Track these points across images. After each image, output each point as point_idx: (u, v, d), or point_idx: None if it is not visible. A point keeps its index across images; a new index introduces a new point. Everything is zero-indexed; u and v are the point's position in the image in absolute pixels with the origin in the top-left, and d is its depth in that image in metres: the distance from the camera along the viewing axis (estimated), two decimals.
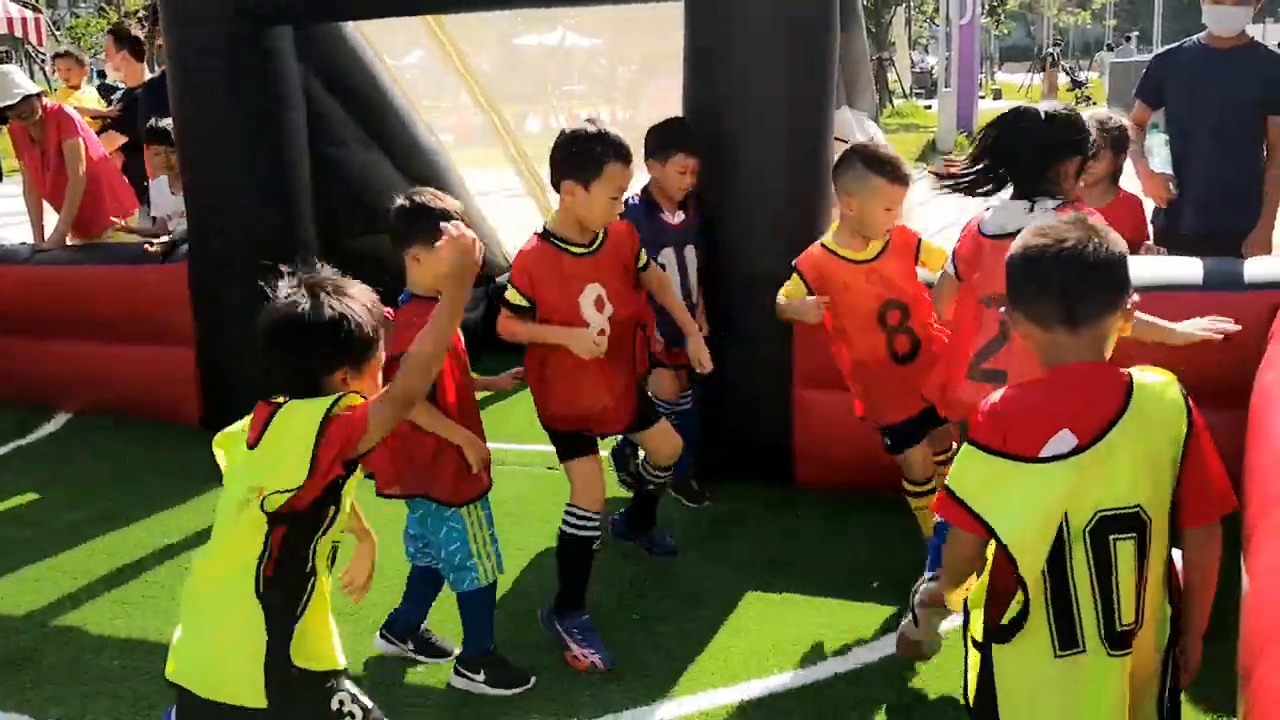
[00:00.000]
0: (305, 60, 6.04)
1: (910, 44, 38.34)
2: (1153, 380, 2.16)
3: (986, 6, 33.92)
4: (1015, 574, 2.09)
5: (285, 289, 2.34)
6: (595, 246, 3.61)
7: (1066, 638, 2.11)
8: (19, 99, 6.45)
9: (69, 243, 6.64)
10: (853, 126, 5.86)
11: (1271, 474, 2.81)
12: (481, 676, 3.44)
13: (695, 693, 3.41)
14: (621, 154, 3.50)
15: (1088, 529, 2.07)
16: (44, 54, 32.40)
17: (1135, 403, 2.11)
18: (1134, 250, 4.73)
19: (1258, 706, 2.11)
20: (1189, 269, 4.30)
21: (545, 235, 3.61)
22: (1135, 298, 2.24)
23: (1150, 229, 5.12)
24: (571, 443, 3.65)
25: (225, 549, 2.38)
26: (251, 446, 2.35)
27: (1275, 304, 3.98)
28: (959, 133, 19.84)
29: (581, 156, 3.48)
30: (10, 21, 24.18)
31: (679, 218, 4.54)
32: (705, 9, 4.71)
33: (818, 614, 3.84)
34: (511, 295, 3.60)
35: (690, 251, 4.54)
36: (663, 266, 4.34)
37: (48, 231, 6.76)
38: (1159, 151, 5.68)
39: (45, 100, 6.69)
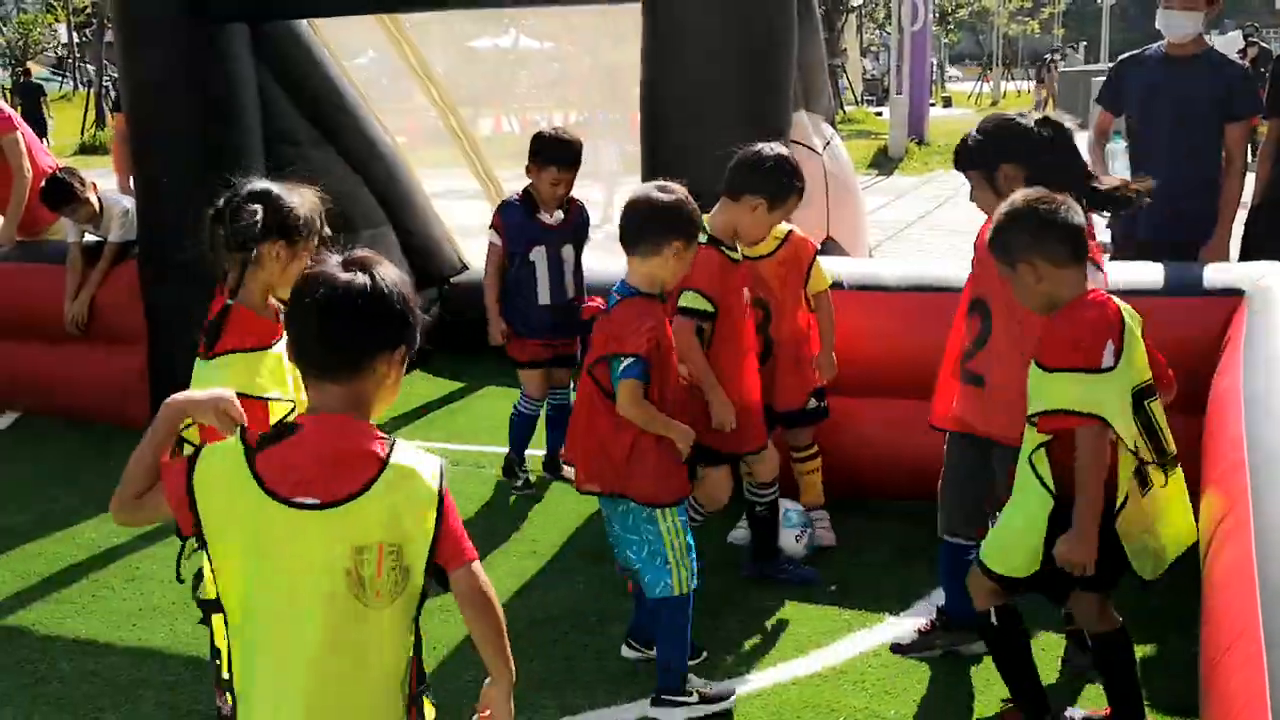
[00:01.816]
0: (260, 59, 5.96)
1: (862, 51, 38.64)
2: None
3: (937, 14, 34.25)
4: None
5: (333, 265, 2.02)
6: (741, 256, 3.87)
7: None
8: None
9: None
10: (810, 130, 5.88)
11: (1227, 481, 2.85)
12: (695, 698, 3.27)
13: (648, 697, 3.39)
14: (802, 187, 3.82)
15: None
16: None
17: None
18: None
19: (1219, 706, 2.13)
20: (1147, 273, 4.35)
21: (712, 242, 3.73)
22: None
23: (1100, 233, 5.18)
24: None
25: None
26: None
27: (1231, 310, 4.04)
28: (910, 139, 20.02)
29: (783, 178, 3.73)
30: None
31: (556, 218, 4.84)
32: (661, 13, 4.70)
33: (781, 616, 3.84)
34: (694, 300, 3.67)
35: (568, 251, 4.87)
36: (534, 264, 4.77)
37: None
38: (1121, 157, 5.76)
39: None
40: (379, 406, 2.06)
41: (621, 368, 3.12)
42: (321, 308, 1.98)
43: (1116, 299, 2.85)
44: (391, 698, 2.01)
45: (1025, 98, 37.86)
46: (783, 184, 3.75)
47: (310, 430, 1.97)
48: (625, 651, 3.58)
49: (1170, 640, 3.50)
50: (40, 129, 22.39)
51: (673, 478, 3.23)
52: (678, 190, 3.25)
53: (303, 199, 2.87)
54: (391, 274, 2.04)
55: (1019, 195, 2.88)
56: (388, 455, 1.96)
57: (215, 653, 2.21)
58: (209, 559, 1.99)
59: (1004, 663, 3.08)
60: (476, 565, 2.04)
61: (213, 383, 2.42)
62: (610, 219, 10.89)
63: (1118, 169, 5.55)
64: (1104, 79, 5.43)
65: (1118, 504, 2.78)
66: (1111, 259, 4.96)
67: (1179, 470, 2.90)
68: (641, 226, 3.21)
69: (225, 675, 2.05)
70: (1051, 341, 2.78)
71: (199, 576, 2.27)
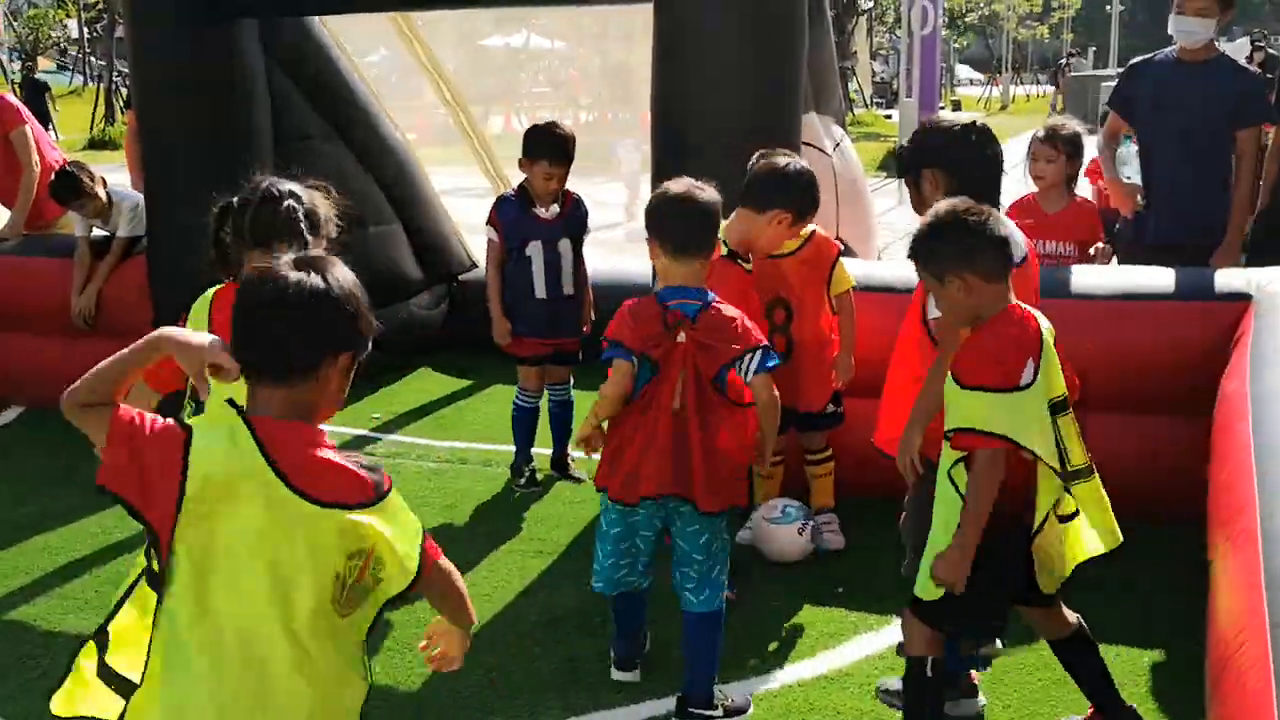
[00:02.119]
0: (270, 55, 5.97)
1: (871, 54, 38.62)
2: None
3: (947, 18, 34.22)
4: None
5: (284, 264, 1.99)
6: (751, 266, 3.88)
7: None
8: None
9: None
10: (820, 131, 5.87)
11: (1234, 485, 2.84)
12: (720, 712, 3.22)
13: (654, 698, 3.39)
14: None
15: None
16: (2, 42, 31.90)
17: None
18: (1085, 254, 4.83)
19: (1226, 709, 2.12)
20: (1156, 278, 4.35)
21: (731, 256, 3.75)
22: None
23: (1105, 237, 5.17)
24: None
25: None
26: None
27: (1239, 314, 4.03)
28: None
29: (810, 193, 3.74)
30: None
31: (552, 212, 4.84)
32: (672, 14, 4.69)
33: (786, 618, 3.83)
34: None
35: (565, 245, 4.86)
36: (530, 259, 4.79)
37: (0, 222, 6.64)
38: (1132, 161, 5.74)
39: None
40: (321, 414, 2.00)
41: (758, 360, 3.09)
42: (268, 305, 1.94)
43: (1034, 311, 2.79)
44: None
45: (1034, 102, 37.85)
46: (809, 198, 3.74)
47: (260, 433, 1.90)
48: (620, 675, 3.44)
49: (1176, 643, 3.49)
50: (44, 124, 22.64)
51: (735, 484, 3.24)
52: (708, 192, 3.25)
53: (316, 199, 2.95)
54: (344, 276, 1.99)
55: (943, 205, 2.80)
56: (376, 483, 1.93)
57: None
58: (159, 535, 1.93)
59: None
60: (441, 560, 2.05)
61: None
62: (635, 216, 10.87)
63: (1128, 174, 5.54)
64: (1114, 83, 5.42)
65: (1036, 525, 2.74)
66: (1120, 262, 4.96)
67: (1094, 480, 2.86)
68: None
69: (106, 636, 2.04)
70: (970, 357, 2.71)
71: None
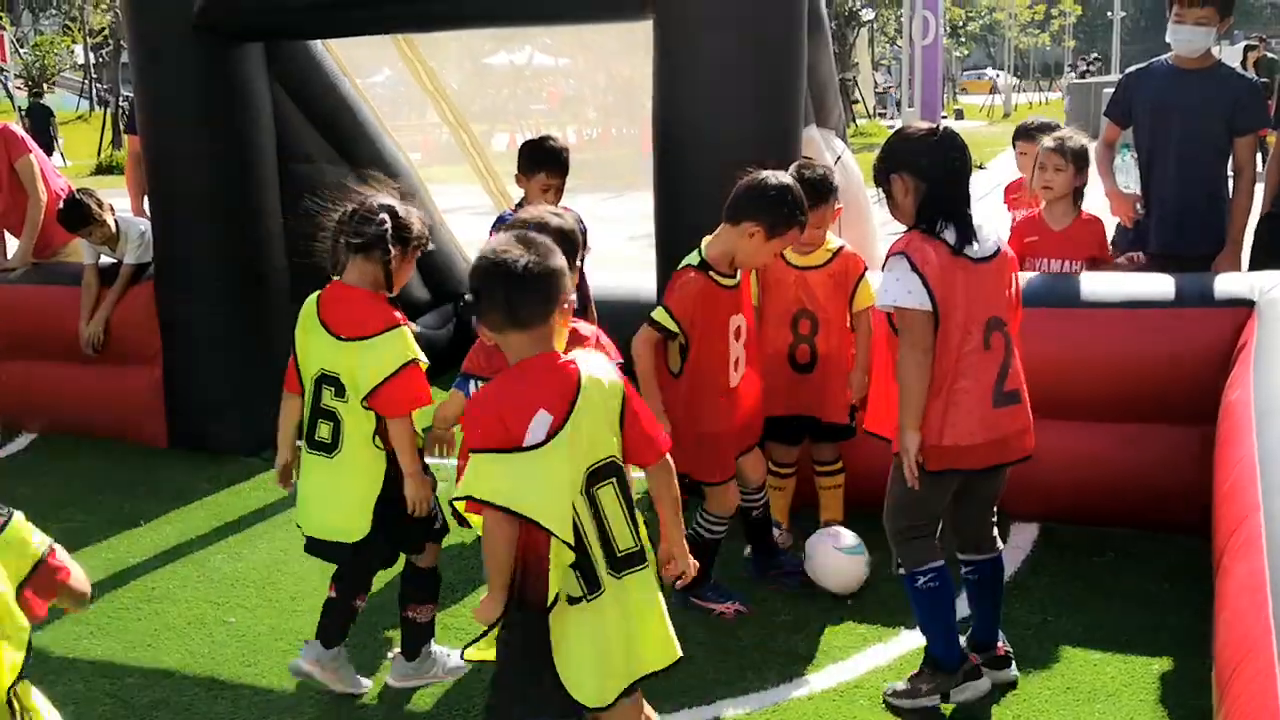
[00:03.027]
0: (274, 77, 6.01)
1: (873, 64, 38.69)
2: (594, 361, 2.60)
3: (948, 27, 34.28)
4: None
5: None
6: (738, 281, 3.85)
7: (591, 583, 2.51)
8: None
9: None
10: (820, 145, 5.88)
11: (1239, 493, 2.84)
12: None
13: (664, 713, 3.39)
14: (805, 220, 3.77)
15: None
16: (6, 70, 32.08)
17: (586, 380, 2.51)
18: (1098, 266, 4.80)
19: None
20: (1156, 286, 4.35)
21: (702, 267, 3.79)
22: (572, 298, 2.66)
23: (1111, 248, 5.16)
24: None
25: None
26: None
27: (1242, 320, 4.03)
28: None
29: (783, 209, 3.69)
30: None
31: None
32: (674, 29, 4.72)
33: (795, 630, 3.84)
34: (661, 317, 3.77)
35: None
36: None
37: (9, 251, 6.68)
38: (1130, 170, 5.74)
39: None
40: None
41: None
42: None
43: (585, 361, 2.55)
44: None
45: (1037, 109, 37.80)
46: (782, 214, 3.68)
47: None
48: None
49: (1184, 658, 3.49)
50: (49, 150, 22.95)
51: None
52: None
53: (413, 215, 3.38)
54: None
55: (488, 245, 2.60)
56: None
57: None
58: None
59: None
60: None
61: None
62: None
63: (1126, 184, 5.54)
64: (1112, 91, 5.42)
65: (549, 602, 2.49)
66: (1135, 261, 4.93)
67: (647, 573, 2.60)
68: None
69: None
70: (472, 415, 2.57)
71: None
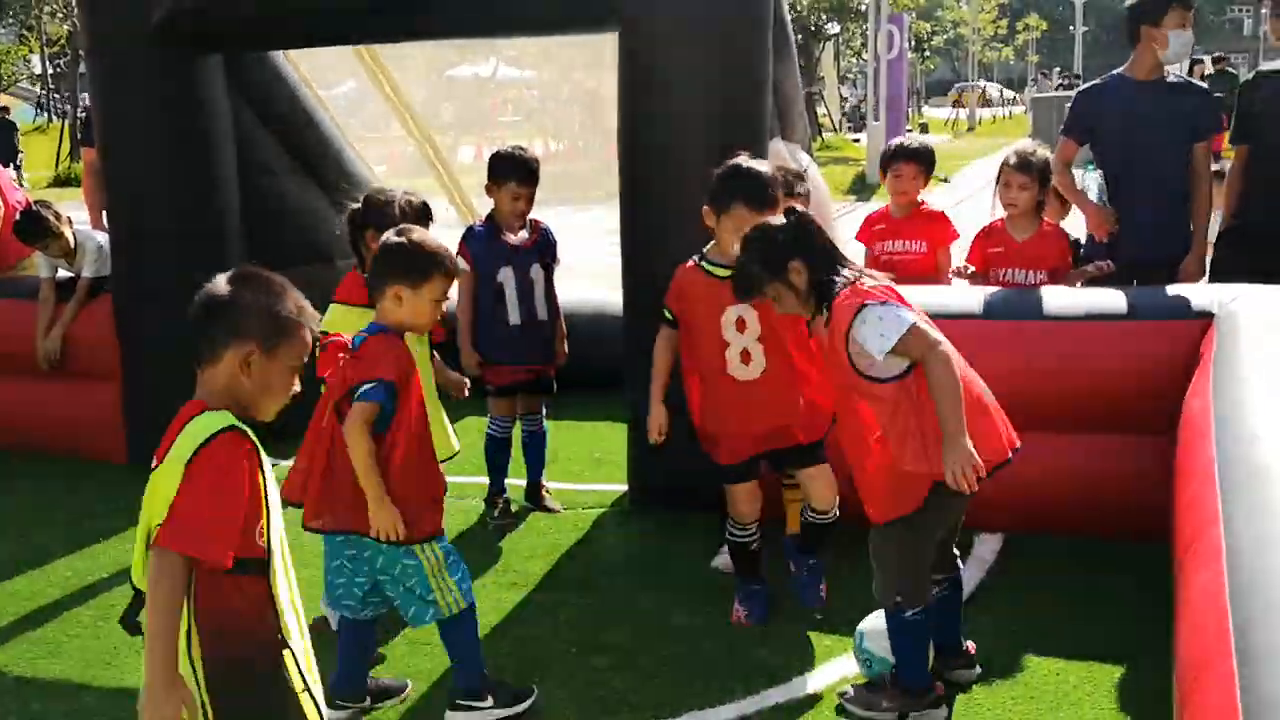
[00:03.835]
0: (235, 89, 5.97)
1: (839, 78, 38.96)
2: (195, 428, 2.31)
3: (913, 42, 34.60)
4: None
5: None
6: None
7: None
8: None
9: None
10: (786, 158, 5.91)
11: (1199, 502, 2.86)
12: (489, 702, 3.38)
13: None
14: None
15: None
16: None
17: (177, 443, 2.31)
18: (1058, 279, 4.85)
19: None
20: (1119, 298, 4.39)
21: (700, 257, 3.89)
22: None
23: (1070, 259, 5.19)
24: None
25: None
26: None
27: (1202, 332, 4.07)
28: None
29: (722, 184, 3.76)
30: None
31: (521, 238, 4.89)
32: (639, 42, 4.73)
33: (761, 642, 3.83)
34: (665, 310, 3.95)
35: (536, 271, 4.89)
36: (502, 285, 4.81)
37: None
38: (1093, 186, 5.79)
39: None
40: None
41: (361, 391, 3.14)
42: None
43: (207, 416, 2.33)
44: None
45: (1000, 124, 38.21)
46: (723, 189, 3.75)
47: None
48: (332, 716, 3.17)
49: (1146, 667, 3.51)
50: (9, 163, 23.04)
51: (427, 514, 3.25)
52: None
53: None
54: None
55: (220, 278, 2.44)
56: None
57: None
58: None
59: None
60: None
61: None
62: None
63: (1092, 198, 5.59)
64: (1069, 109, 5.46)
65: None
66: (1095, 282, 4.97)
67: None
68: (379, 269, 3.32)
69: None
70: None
71: None
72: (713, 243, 3.88)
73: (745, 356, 3.80)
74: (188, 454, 2.24)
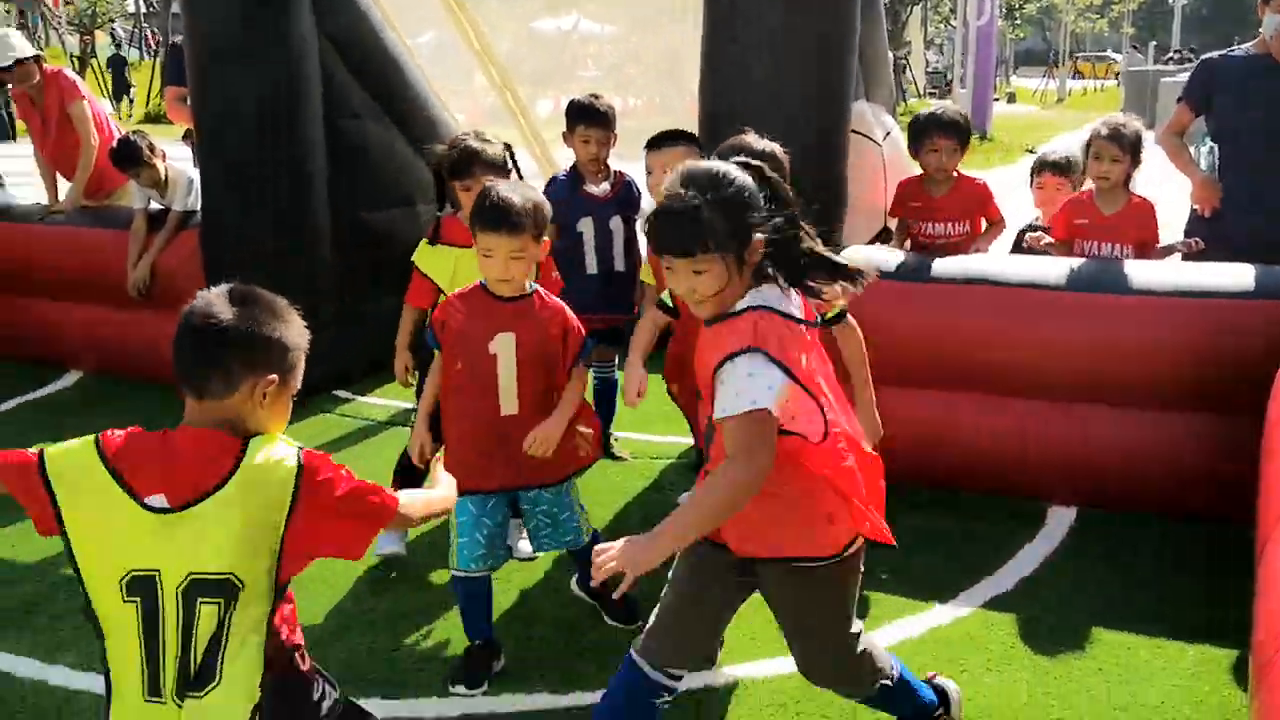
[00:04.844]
0: (323, 33, 6.02)
1: (926, 44, 38.25)
2: (265, 456, 2.12)
3: (1004, 9, 33.82)
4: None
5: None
6: None
7: (153, 685, 2.09)
8: (11, 61, 6.43)
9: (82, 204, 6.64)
10: (870, 119, 5.83)
11: None
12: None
13: None
14: None
15: (180, 589, 2.06)
16: (59, 16, 32.36)
17: (241, 474, 2.10)
18: (1144, 254, 4.73)
19: (1268, 713, 2.10)
20: (1207, 275, 4.28)
21: None
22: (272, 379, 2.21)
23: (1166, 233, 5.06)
24: None
25: None
26: None
27: None
28: (973, 134, 19.81)
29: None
30: None
31: (603, 189, 4.91)
32: (723, 3, 4.67)
33: None
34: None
35: (616, 223, 4.91)
36: (581, 234, 4.86)
37: (60, 193, 6.76)
38: (1204, 158, 5.64)
39: (45, 65, 6.67)
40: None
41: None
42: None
43: (277, 443, 2.16)
44: None
45: (1090, 96, 37.29)
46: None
47: None
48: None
49: (1220, 645, 3.46)
50: (122, 97, 27.28)
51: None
52: None
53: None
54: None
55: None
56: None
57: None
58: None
59: None
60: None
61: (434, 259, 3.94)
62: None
63: (1202, 170, 5.45)
64: (1188, 76, 5.32)
65: None
66: (1192, 257, 4.84)
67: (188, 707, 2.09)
68: None
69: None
70: None
71: None
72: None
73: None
74: (283, 497, 2.09)
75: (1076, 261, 4.56)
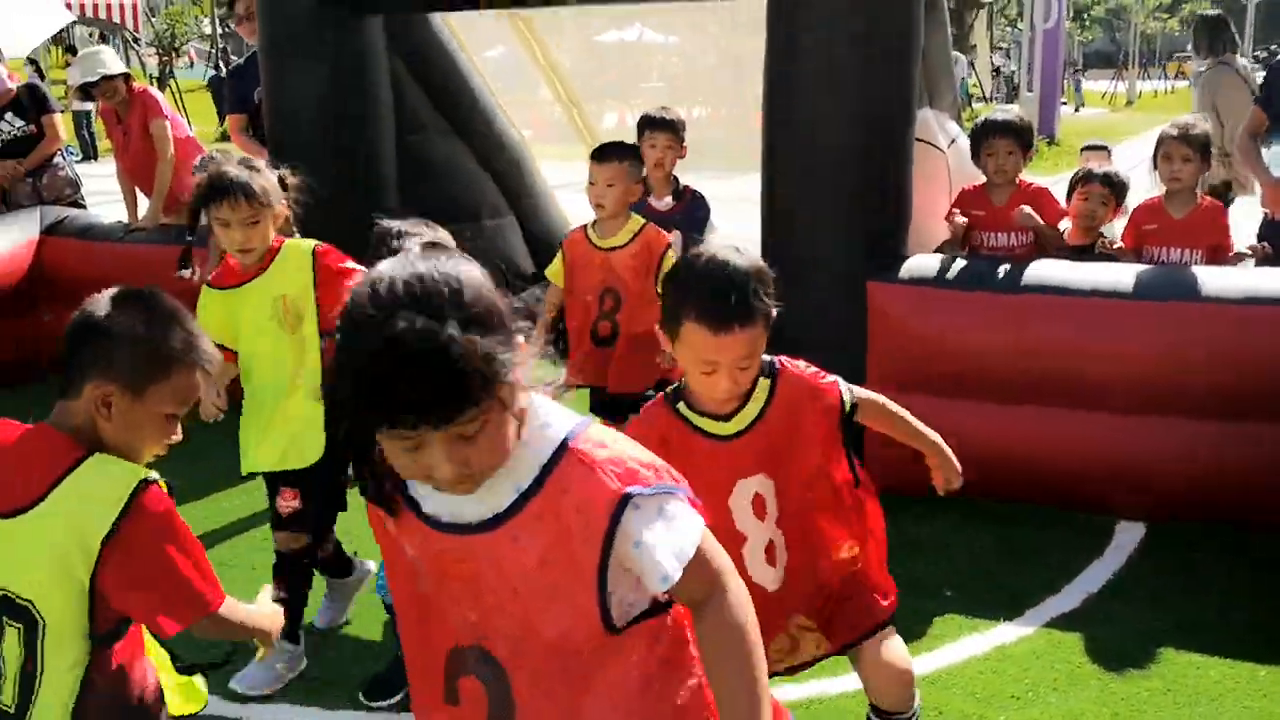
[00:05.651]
0: (394, 50, 6.13)
1: (991, 47, 37.79)
2: (99, 476, 1.91)
3: (1072, 11, 33.30)
4: None
5: None
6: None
7: None
8: (99, 78, 6.62)
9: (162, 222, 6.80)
10: (935, 127, 5.80)
11: None
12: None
13: None
14: None
15: None
16: (140, 38, 33.22)
17: (64, 488, 1.89)
18: (1215, 260, 4.65)
19: None
20: (1274, 282, 4.21)
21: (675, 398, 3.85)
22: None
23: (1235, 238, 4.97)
24: None
25: None
26: None
27: None
28: (1040, 138, 19.52)
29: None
30: (109, 7, 24.94)
31: (666, 204, 4.98)
32: (786, 8, 4.69)
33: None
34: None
35: (675, 237, 4.81)
36: None
37: (141, 211, 6.94)
38: (1276, 162, 5.54)
39: (133, 83, 6.87)
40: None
41: None
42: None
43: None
44: None
45: (1161, 99, 36.56)
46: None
47: None
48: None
49: (1263, 659, 3.39)
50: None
51: None
52: None
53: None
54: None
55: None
56: None
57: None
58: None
59: None
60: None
61: None
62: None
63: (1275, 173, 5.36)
64: (1264, 79, 5.25)
65: None
66: (1264, 263, 4.75)
67: None
68: None
69: None
70: None
71: None
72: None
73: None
74: (100, 527, 1.86)
75: (1141, 267, 4.50)
